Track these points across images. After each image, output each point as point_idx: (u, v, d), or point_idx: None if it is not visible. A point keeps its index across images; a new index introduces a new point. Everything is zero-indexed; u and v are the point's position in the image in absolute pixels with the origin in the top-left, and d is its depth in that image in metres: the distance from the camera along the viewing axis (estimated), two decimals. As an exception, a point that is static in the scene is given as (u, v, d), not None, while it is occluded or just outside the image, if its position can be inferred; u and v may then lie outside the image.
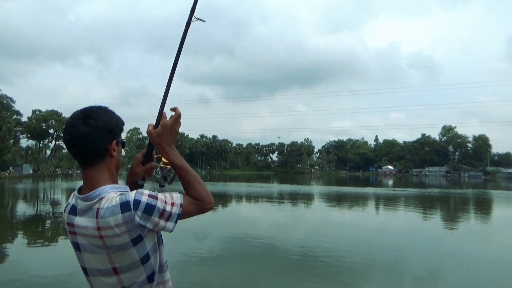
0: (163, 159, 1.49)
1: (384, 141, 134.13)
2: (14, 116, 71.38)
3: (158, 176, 1.52)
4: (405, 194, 29.74)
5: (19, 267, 7.78)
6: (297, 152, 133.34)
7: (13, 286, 6.29)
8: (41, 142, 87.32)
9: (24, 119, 78.62)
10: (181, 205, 1.32)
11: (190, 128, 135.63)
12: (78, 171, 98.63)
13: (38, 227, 13.83)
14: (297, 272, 7.25)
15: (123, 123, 1.41)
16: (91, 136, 1.27)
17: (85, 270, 1.36)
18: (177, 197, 1.33)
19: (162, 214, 1.26)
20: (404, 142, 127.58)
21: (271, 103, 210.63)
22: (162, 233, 1.40)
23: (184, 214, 1.33)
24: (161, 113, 1.46)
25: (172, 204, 1.30)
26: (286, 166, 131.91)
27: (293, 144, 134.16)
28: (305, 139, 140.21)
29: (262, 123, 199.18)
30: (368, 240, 10.47)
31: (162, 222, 1.27)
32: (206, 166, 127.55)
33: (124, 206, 1.22)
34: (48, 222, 15.10)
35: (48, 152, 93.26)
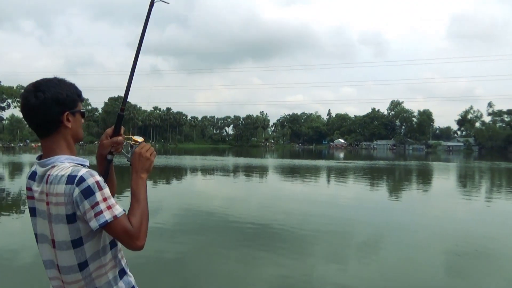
0: (133, 137, 1.56)
1: (337, 115, 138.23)
2: None
3: (128, 155, 1.54)
4: (354, 167, 31.12)
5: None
6: (253, 125, 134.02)
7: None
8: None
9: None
10: (115, 217, 1.28)
11: (143, 100, 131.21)
12: (21, 144, 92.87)
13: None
14: (250, 243, 7.46)
15: (79, 94, 1.42)
16: (40, 108, 1.31)
17: (36, 236, 1.40)
18: (118, 209, 1.31)
19: (94, 206, 1.25)
20: (355, 116, 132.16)
21: (226, 76, 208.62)
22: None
23: (113, 227, 1.28)
24: (120, 117, 1.57)
25: (109, 208, 1.28)
26: (242, 139, 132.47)
27: (249, 117, 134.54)
28: (260, 112, 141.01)
29: (217, 96, 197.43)
30: (318, 212, 10.92)
31: (90, 213, 1.25)
32: (160, 139, 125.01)
33: (70, 178, 1.26)
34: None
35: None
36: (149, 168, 1.50)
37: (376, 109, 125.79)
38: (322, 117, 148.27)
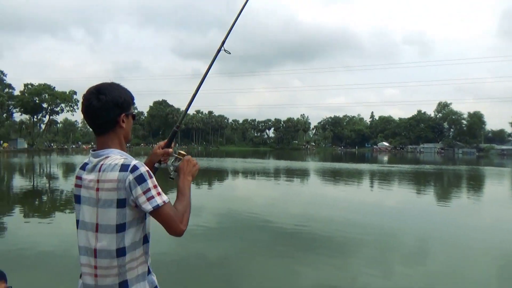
0: (179, 151, 1.77)
1: (380, 117, 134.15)
2: (6, 90, 70.37)
3: (171, 167, 1.75)
4: (399, 170, 30.07)
5: (17, 239, 7.87)
6: (293, 128, 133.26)
7: (11, 257, 6.39)
8: (35, 117, 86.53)
9: (16, 93, 77.55)
10: (164, 202, 1.44)
11: (186, 103, 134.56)
12: (73, 146, 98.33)
13: (34, 201, 13.91)
14: (290, 247, 7.39)
15: (132, 98, 1.61)
16: (102, 109, 1.48)
17: (77, 222, 1.51)
18: (164, 196, 1.46)
19: (146, 192, 1.41)
20: (400, 118, 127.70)
21: (266, 79, 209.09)
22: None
23: (161, 210, 1.42)
24: (174, 133, 1.88)
25: (159, 194, 1.44)
26: (282, 142, 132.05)
27: (289, 120, 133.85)
28: (301, 115, 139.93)
29: (258, 99, 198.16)
30: (360, 216, 10.65)
31: (142, 198, 1.40)
32: (202, 142, 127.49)
33: (124, 167, 1.42)
34: (44, 196, 15.18)
35: (43, 126, 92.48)
36: (194, 173, 1.71)
37: (422, 111, 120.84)
38: (364, 119, 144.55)
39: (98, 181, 1.43)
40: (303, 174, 27.12)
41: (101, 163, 1.46)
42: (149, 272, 1.56)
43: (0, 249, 7.18)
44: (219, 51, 1.94)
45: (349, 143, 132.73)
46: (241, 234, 8.46)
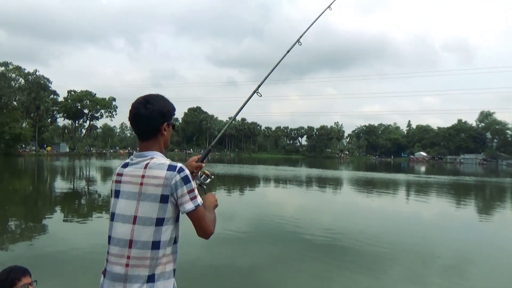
0: (206, 170, 2.01)
1: (417, 126, 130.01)
2: (51, 96, 74.10)
3: (198, 180, 1.98)
4: (438, 182, 28.93)
5: (57, 239, 8.21)
6: (327, 136, 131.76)
7: (52, 257, 6.66)
8: (77, 122, 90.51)
9: (60, 99, 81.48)
10: (201, 203, 1.63)
11: (219, 110, 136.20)
12: (111, 151, 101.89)
13: (74, 203, 14.49)
14: (322, 257, 7.27)
15: (174, 109, 1.77)
16: (148, 117, 1.63)
17: (112, 215, 1.61)
18: (200, 198, 1.65)
19: (190, 192, 1.57)
20: (439, 128, 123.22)
21: (300, 86, 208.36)
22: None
23: (199, 210, 1.59)
24: (208, 151, 2.18)
25: (198, 195, 1.62)
26: (315, 150, 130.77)
27: (323, 128, 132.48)
28: (335, 123, 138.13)
29: (291, 107, 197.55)
30: (396, 227, 10.32)
31: (186, 197, 1.56)
32: (235, 149, 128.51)
33: (171, 167, 1.57)
34: (83, 199, 15.78)
35: (83, 131, 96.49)
36: (215, 206, 1.86)
37: (462, 121, 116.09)
38: (401, 128, 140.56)
39: (143, 176, 1.56)
40: (335, 183, 26.69)
41: (147, 162, 1.59)
42: (174, 274, 1.63)
43: (38, 247, 7.52)
44: (253, 93, 2.28)
45: (384, 152, 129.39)
46: (270, 242, 8.41)
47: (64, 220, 10.95)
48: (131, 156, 1.69)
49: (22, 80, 66.89)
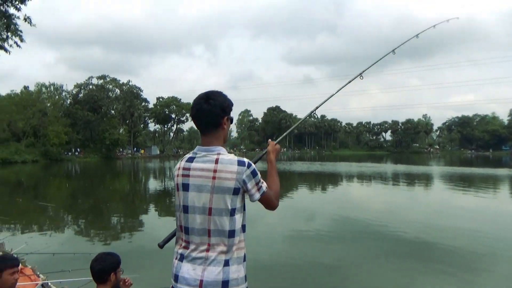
0: None
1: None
2: (143, 103, 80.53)
3: None
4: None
5: (152, 234, 8.88)
6: (413, 130, 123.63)
7: (147, 251, 7.22)
8: (165, 126, 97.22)
9: (150, 106, 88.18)
10: (267, 187, 1.79)
11: (298, 108, 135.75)
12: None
13: (166, 201, 15.57)
14: (409, 258, 6.85)
15: (232, 104, 1.86)
16: (210, 112, 1.74)
17: (185, 208, 1.73)
18: (265, 183, 1.81)
19: (258, 183, 1.73)
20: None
21: (380, 79, 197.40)
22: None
23: (265, 195, 1.76)
24: (262, 156, 2.16)
25: (263, 183, 1.78)
26: (401, 145, 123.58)
27: (409, 121, 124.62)
28: (423, 115, 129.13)
29: (372, 101, 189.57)
30: (495, 232, 9.27)
31: (255, 189, 1.72)
32: (315, 146, 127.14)
33: (240, 162, 1.69)
34: (174, 197, 16.89)
35: (172, 134, 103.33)
36: (277, 155, 2.07)
37: None
38: (500, 118, 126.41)
39: (215, 170, 1.67)
40: (425, 179, 24.90)
41: (217, 157, 1.70)
42: (245, 259, 1.75)
43: (136, 240, 8.22)
44: (311, 113, 2.59)
45: (481, 145, 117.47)
46: (355, 241, 8.14)
47: (159, 216, 11.82)
48: (194, 151, 1.79)
49: (117, 91, 73.88)
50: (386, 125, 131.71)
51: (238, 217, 1.69)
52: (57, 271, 4.75)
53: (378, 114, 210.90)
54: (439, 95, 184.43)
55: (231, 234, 1.66)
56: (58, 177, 29.85)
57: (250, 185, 1.69)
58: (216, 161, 1.69)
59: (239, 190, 1.68)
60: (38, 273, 4.95)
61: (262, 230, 9.22)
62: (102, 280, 2.41)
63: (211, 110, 1.73)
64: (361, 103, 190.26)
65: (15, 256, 2.66)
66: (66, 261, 5.32)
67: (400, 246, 7.58)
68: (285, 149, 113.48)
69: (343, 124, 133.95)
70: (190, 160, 1.76)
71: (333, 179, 25.09)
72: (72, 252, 5.59)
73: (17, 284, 2.68)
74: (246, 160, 1.71)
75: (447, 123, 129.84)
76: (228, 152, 1.77)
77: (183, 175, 1.75)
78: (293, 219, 10.49)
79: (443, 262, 6.48)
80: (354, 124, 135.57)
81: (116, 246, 7.98)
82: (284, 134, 2.33)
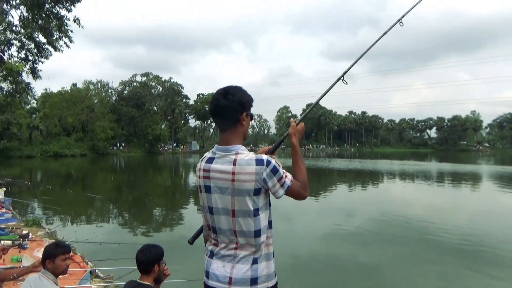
0: (277, 161, 1.92)
1: None
2: (184, 100, 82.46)
3: None
4: None
5: (191, 227, 9.12)
6: (461, 127, 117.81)
7: (185, 244, 7.42)
8: (205, 122, 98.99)
9: (191, 102, 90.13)
10: (291, 180, 1.70)
11: (338, 105, 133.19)
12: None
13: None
14: (455, 261, 6.57)
15: (252, 100, 1.79)
16: (228, 107, 1.68)
17: (210, 209, 1.73)
18: (289, 175, 1.72)
19: (280, 179, 1.65)
20: None
21: (425, 74, 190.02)
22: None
23: (290, 189, 1.69)
24: (302, 118, 2.02)
25: (286, 177, 1.68)
26: (447, 143, 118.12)
27: (455, 118, 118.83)
28: (471, 111, 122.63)
29: (416, 97, 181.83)
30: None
31: (277, 186, 1.65)
32: (355, 144, 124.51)
33: (259, 161, 1.62)
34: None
35: (211, 130, 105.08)
36: (300, 134, 1.93)
37: None
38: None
39: (234, 173, 1.62)
40: (472, 179, 23.66)
41: (234, 158, 1.64)
42: (273, 256, 1.74)
43: (175, 232, 8.47)
44: (339, 79, 2.18)
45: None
46: (396, 242, 7.92)
47: (198, 211, 12.10)
48: (213, 150, 1.74)
49: (160, 88, 76.08)
50: (431, 122, 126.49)
51: (262, 216, 1.66)
52: (104, 259, 5.01)
53: (422, 111, 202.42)
54: (489, 90, 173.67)
55: (257, 233, 1.64)
56: (104, 171, 31.31)
57: (271, 183, 1.63)
58: (234, 162, 1.63)
59: (260, 190, 1.63)
60: (86, 260, 5.25)
61: (300, 227, 9.21)
62: (146, 271, 2.53)
63: (229, 105, 1.68)
64: (404, 100, 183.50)
65: (67, 243, 2.83)
66: (112, 251, 5.59)
67: (444, 250, 7.29)
68: (323, 145, 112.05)
69: (385, 120, 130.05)
70: (210, 161, 1.72)
71: (373, 177, 24.48)
72: (117, 242, 5.88)
73: (68, 269, 2.87)
74: (264, 157, 1.63)
75: (498, 120, 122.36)
76: (250, 150, 1.73)
77: (204, 177, 1.72)
78: (332, 217, 10.38)
79: (491, 268, 6.18)
80: (397, 121, 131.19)
81: (157, 237, 8.28)
82: (307, 110, 2.11)
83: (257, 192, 1.62)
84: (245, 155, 1.64)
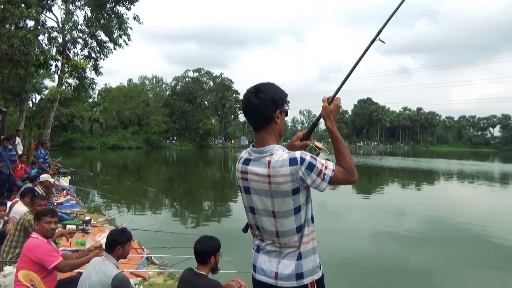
0: (316, 144, 1.83)
1: None
2: (234, 95, 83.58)
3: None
4: None
5: (240, 219, 9.29)
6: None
7: (235, 235, 7.59)
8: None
9: (240, 97, 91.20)
10: (333, 170, 1.60)
11: (391, 100, 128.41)
12: (284, 144, 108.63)
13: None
14: (509, 267, 6.15)
15: (286, 96, 1.71)
16: (260, 106, 1.63)
17: (252, 209, 1.73)
18: (330, 164, 1.63)
19: (319, 173, 1.57)
20: None
21: (488, 69, 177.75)
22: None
23: (334, 179, 1.60)
24: (335, 94, 1.80)
25: (326, 168, 1.59)
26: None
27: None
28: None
29: (477, 93, 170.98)
30: None
31: (318, 180, 1.58)
32: (409, 141, 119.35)
33: (292, 161, 1.56)
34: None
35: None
36: (336, 113, 1.77)
37: None
38: None
39: (269, 176, 1.59)
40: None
41: (269, 159, 1.60)
42: (316, 250, 1.72)
43: (225, 224, 8.67)
44: (373, 41, 1.91)
45: None
46: (448, 245, 7.56)
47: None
48: (248, 150, 1.72)
49: (211, 83, 77.78)
50: (494, 120, 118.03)
51: (303, 212, 1.64)
52: (159, 247, 5.28)
53: (484, 107, 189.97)
54: None
55: (299, 229, 1.63)
56: (158, 163, 32.69)
57: (309, 180, 1.56)
58: (269, 165, 1.59)
59: (299, 189, 1.59)
60: (143, 247, 5.57)
61: (349, 225, 9.08)
62: (203, 261, 2.65)
63: (261, 104, 1.62)
64: (464, 96, 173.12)
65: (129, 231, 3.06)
66: (166, 239, 5.87)
67: (499, 255, 6.85)
68: (375, 143, 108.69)
69: (442, 118, 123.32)
70: (246, 162, 1.69)
71: (428, 176, 23.40)
72: (171, 231, 6.15)
73: (128, 255, 3.09)
74: (298, 155, 1.56)
75: None
76: (311, 148, 1.70)
77: (242, 178, 1.72)
78: (382, 216, 10.10)
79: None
80: (456, 118, 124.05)
81: (208, 228, 8.54)
82: (342, 81, 1.85)
83: (295, 191, 1.59)
84: (279, 156, 1.59)
